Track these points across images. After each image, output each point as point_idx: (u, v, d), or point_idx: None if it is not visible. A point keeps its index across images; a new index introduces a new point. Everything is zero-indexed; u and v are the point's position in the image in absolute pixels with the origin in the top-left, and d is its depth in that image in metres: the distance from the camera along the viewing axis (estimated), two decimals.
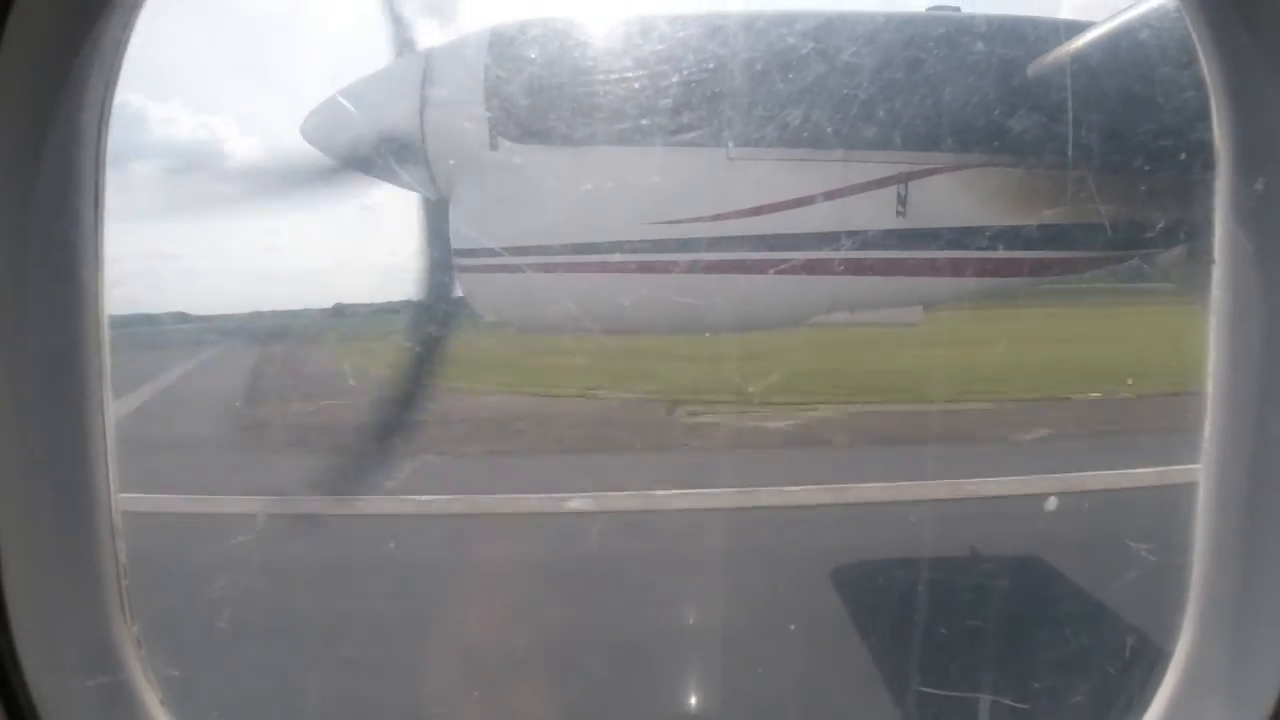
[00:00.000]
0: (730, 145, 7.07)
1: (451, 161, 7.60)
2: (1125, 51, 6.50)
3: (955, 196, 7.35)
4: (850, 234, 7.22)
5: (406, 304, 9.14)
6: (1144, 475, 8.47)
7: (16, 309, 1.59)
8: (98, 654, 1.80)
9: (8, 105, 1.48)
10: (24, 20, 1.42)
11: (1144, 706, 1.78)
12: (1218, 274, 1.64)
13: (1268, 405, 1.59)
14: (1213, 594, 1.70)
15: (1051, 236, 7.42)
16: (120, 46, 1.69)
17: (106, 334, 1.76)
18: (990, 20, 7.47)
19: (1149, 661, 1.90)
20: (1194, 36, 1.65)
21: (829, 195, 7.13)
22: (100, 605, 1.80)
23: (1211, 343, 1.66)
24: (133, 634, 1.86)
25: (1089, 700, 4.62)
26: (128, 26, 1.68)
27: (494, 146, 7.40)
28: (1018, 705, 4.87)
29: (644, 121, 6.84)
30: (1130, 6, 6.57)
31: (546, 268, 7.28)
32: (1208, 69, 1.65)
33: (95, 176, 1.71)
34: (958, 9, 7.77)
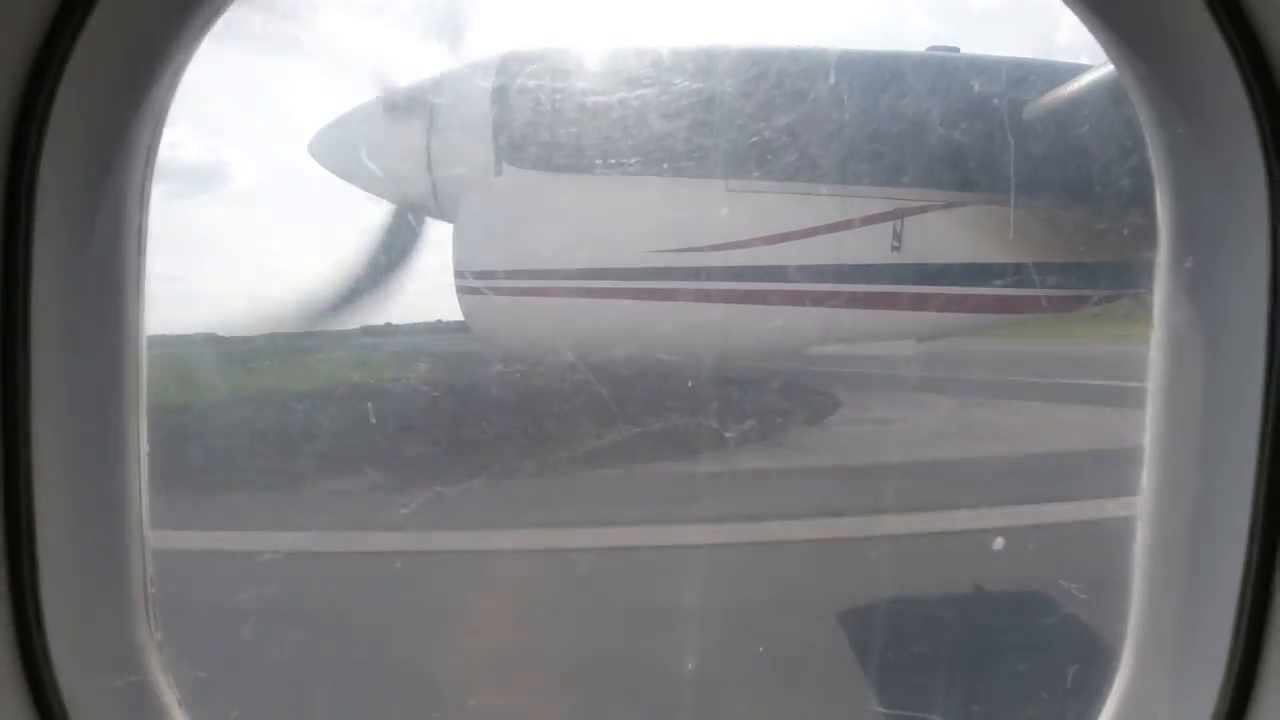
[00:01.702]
0: (730, 178, 7.21)
1: (455, 184, 7.76)
2: (1115, 96, 6.64)
3: (951, 233, 7.49)
4: (846, 267, 7.35)
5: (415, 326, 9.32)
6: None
7: (65, 331, 1.73)
8: (123, 656, 1.92)
9: (65, 159, 1.62)
10: (79, 69, 1.57)
11: None
12: (1155, 339, 1.77)
13: (1203, 461, 1.72)
14: (1150, 627, 1.83)
15: (1046, 274, 7.53)
16: (167, 100, 1.83)
17: (144, 360, 1.90)
18: (988, 62, 7.63)
19: (1088, 693, 2.01)
20: (1141, 123, 1.78)
21: (826, 229, 7.27)
22: (127, 610, 1.92)
23: (1149, 399, 1.79)
24: (155, 638, 1.97)
25: None
26: (175, 80, 1.82)
27: (498, 172, 7.56)
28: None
29: (645, 152, 6.98)
30: None
31: (545, 292, 7.41)
32: (1152, 153, 1.78)
33: (139, 222, 1.85)
34: (956, 49, 7.93)
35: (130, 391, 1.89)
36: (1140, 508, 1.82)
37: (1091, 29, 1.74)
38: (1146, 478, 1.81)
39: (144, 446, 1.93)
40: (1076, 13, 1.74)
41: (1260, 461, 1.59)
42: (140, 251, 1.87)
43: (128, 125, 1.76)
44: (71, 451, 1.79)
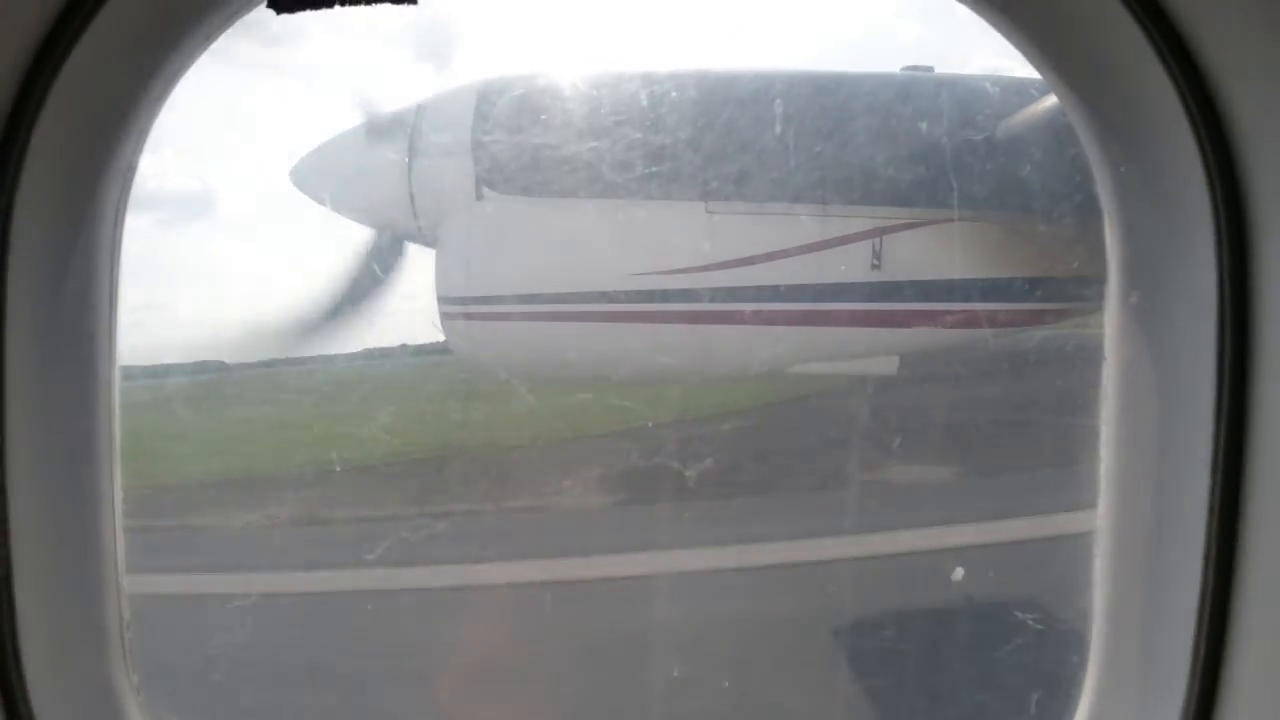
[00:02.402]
0: (709, 200, 7.25)
1: (437, 210, 7.77)
2: None
3: (931, 250, 7.52)
4: (827, 286, 7.39)
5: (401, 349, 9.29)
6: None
7: (38, 364, 1.74)
8: (101, 699, 1.92)
9: (40, 193, 1.63)
10: (56, 112, 1.59)
11: None
12: (1106, 369, 1.81)
13: (1157, 483, 1.76)
14: (1112, 644, 1.85)
15: (1026, 290, 7.58)
16: (143, 133, 1.85)
17: (117, 386, 1.91)
18: (963, 81, 7.70)
19: (1055, 708, 2.03)
20: (1089, 162, 1.81)
21: (806, 249, 7.31)
22: (104, 655, 1.93)
23: (1102, 428, 1.82)
24: (133, 682, 1.97)
25: None
26: (151, 115, 1.84)
27: (479, 197, 7.58)
28: None
29: (625, 175, 7.02)
30: None
31: (527, 316, 7.42)
32: (1100, 190, 1.81)
33: (112, 257, 1.86)
34: (931, 69, 8.00)
35: (103, 427, 1.89)
36: (1099, 528, 1.85)
37: (1039, 69, 1.77)
38: (1103, 503, 1.84)
39: (119, 491, 1.93)
40: (1024, 54, 1.77)
41: (1212, 482, 1.62)
42: (113, 286, 1.88)
43: (107, 150, 1.78)
44: (46, 496, 1.79)
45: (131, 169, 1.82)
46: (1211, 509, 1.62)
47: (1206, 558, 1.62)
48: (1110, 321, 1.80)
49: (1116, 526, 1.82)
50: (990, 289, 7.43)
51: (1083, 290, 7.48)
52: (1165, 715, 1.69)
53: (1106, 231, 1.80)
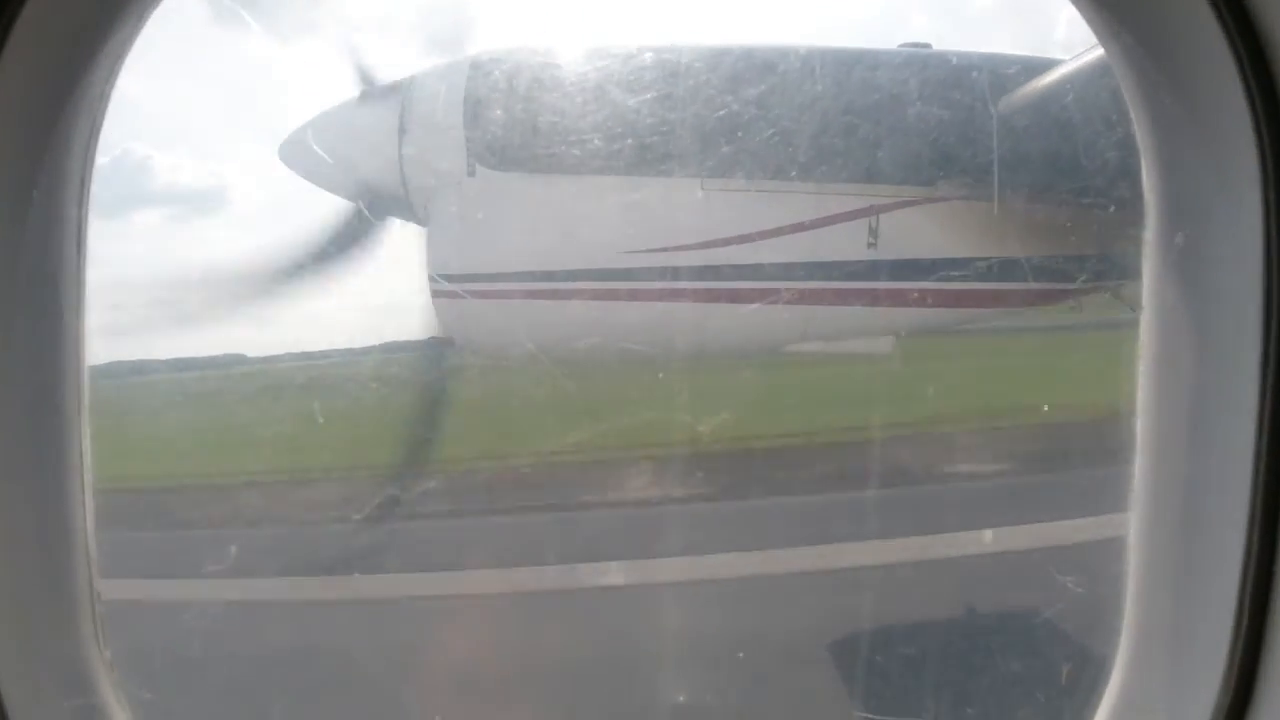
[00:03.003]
0: (704, 177, 7.17)
1: (428, 187, 7.67)
2: (1089, 90, 6.66)
3: (927, 229, 7.48)
4: (822, 265, 7.32)
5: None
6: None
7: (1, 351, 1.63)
8: (72, 677, 1.83)
9: (4, 121, 1.53)
10: (10, 68, 1.48)
11: None
12: (1145, 319, 1.73)
13: (1192, 444, 1.68)
14: (1146, 620, 1.77)
15: (1022, 268, 7.54)
16: (104, 97, 1.74)
17: (86, 367, 1.80)
18: (960, 57, 7.64)
19: (1083, 690, 1.95)
20: (1126, 98, 1.74)
21: (801, 227, 7.24)
22: (75, 630, 1.83)
23: (1140, 383, 1.74)
24: (105, 658, 1.88)
25: None
26: (112, 75, 1.73)
27: (471, 173, 7.48)
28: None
29: (619, 152, 6.93)
30: (1096, 46, 6.74)
31: (520, 294, 7.34)
32: (1137, 126, 1.74)
33: (79, 221, 1.75)
34: (929, 46, 7.94)
35: (72, 398, 1.79)
36: (1134, 498, 1.77)
37: (1074, 1, 1.69)
38: (1139, 466, 1.76)
39: (88, 451, 1.83)
40: None
41: (1259, 444, 1.52)
42: (80, 267, 1.78)
43: (62, 122, 1.67)
44: (11, 462, 1.70)
45: (104, 98, 1.72)
46: (1258, 465, 1.53)
47: (1251, 519, 1.54)
48: (1149, 268, 1.73)
49: (1154, 485, 1.74)
50: (987, 269, 7.39)
51: (1080, 271, 7.46)
52: (1200, 699, 1.62)
53: (1144, 173, 1.73)
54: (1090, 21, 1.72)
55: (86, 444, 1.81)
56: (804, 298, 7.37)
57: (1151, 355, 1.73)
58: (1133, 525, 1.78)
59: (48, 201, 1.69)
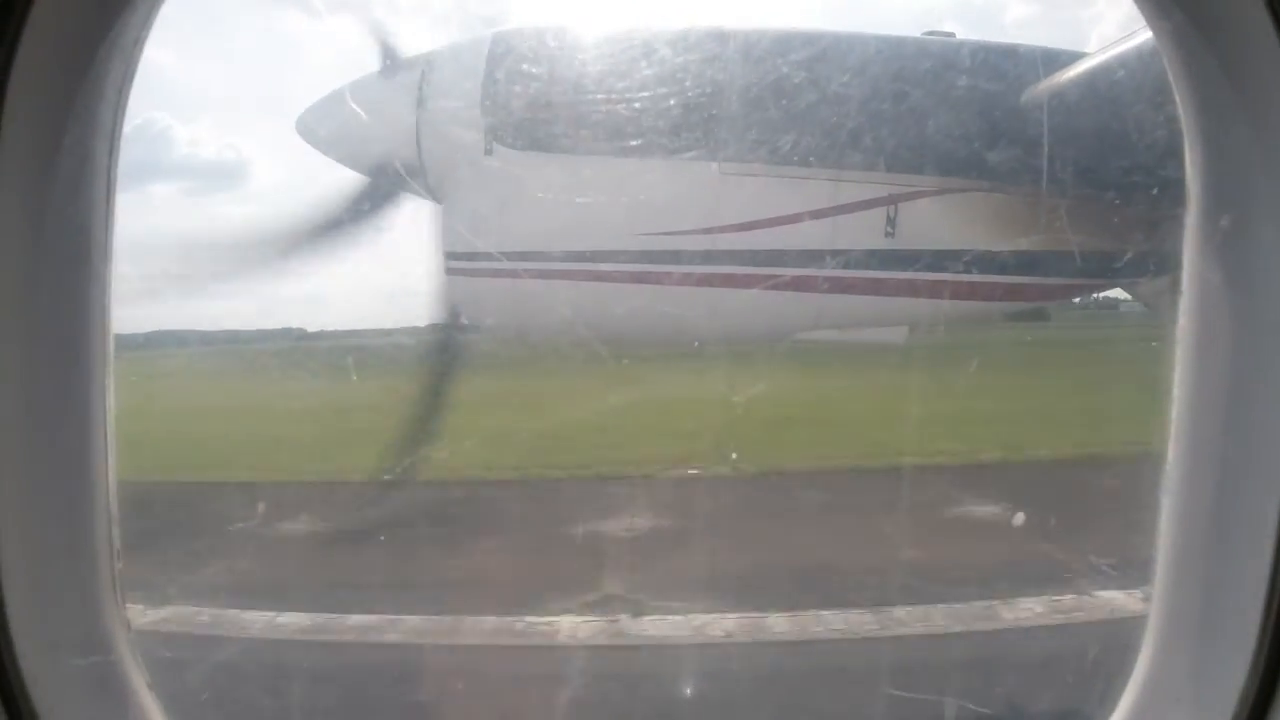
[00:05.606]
0: (722, 161, 7.13)
1: (446, 165, 7.64)
2: (1115, 84, 6.60)
3: (946, 220, 7.43)
4: (839, 253, 7.28)
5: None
6: None
7: (28, 304, 1.62)
8: (89, 635, 1.81)
9: (22, 119, 1.51)
10: (37, 35, 1.47)
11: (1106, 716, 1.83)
12: (1185, 304, 1.71)
13: (1228, 431, 1.66)
14: (1174, 607, 1.76)
15: (1040, 261, 7.49)
16: (130, 71, 1.73)
17: (111, 330, 1.79)
18: (983, 47, 7.58)
19: (1110, 672, 1.94)
20: (1170, 79, 1.72)
21: (819, 214, 7.20)
22: (93, 587, 1.82)
23: (1178, 369, 1.72)
24: (123, 617, 1.87)
25: (1051, 710, 4.68)
26: (138, 45, 1.72)
27: (489, 152, 7.45)
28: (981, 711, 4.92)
29: (638, 134, 6.89)
30: (1118, 42, 6.68)
31: (535, 274, 7.31)
32: (1182, 110, 1.71)
33: (107, 188, 1.74)
34: (952, 34, 7.88)
35: (97, 361, 1.77)
36: (1166, 479, 1.75)
37: None
38: (1174, 448, 1.74)
39: (110, 401, 1.82)
40: None
41: None
42: (107, 240, 1.77)
43: (87, 99, 1.66)
44: (31, 426, 1.69)
45: (139, 44, 1.70)
46: None
47: None
48: (1190, 250, 1.71)
49: (1187, 472, 1.72)
50: (1005, 262, 7.34)
51: (1100, 265, 7.41)
52: (1227, 686, 1.60)
53: (1187, 155, 1.70)
54: (1136, 1, 1.69)
55: (110, 383, 1.80)
56: (818, 285, 7.34)
57: (1190, 339, 1.71)
58: (1164, 510, 1.76)
59: (78, 154, 1.68)
